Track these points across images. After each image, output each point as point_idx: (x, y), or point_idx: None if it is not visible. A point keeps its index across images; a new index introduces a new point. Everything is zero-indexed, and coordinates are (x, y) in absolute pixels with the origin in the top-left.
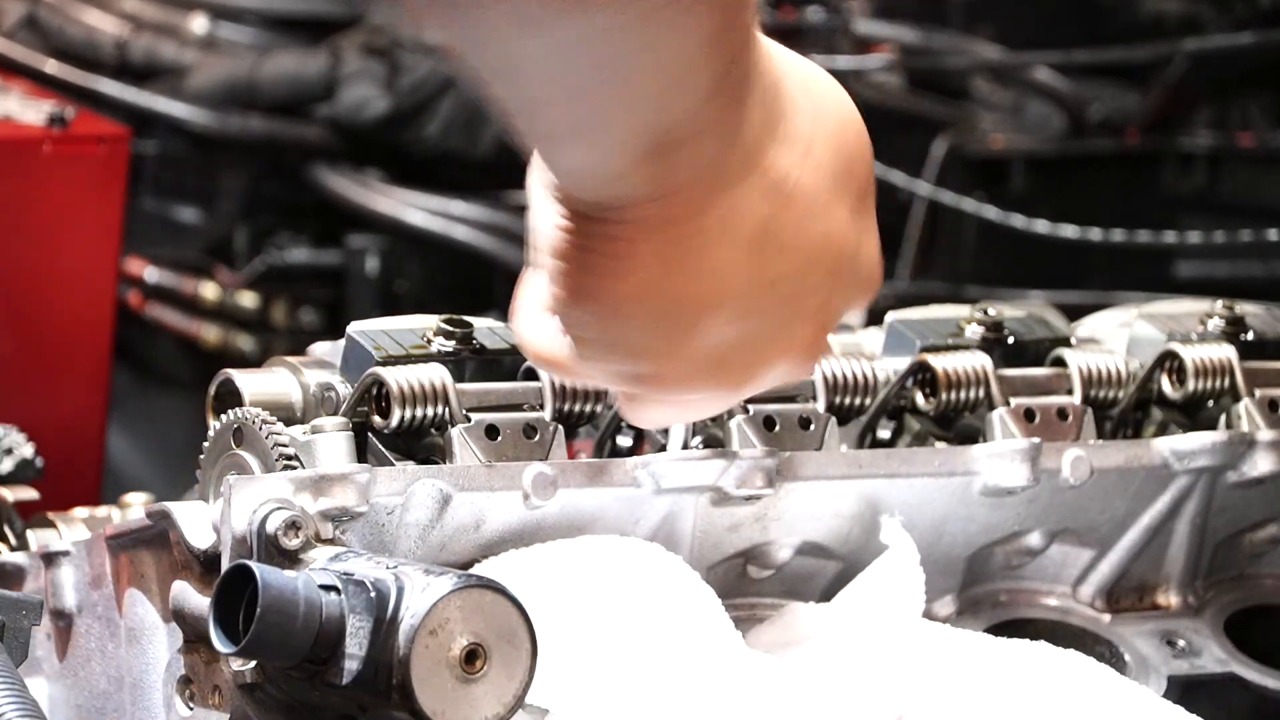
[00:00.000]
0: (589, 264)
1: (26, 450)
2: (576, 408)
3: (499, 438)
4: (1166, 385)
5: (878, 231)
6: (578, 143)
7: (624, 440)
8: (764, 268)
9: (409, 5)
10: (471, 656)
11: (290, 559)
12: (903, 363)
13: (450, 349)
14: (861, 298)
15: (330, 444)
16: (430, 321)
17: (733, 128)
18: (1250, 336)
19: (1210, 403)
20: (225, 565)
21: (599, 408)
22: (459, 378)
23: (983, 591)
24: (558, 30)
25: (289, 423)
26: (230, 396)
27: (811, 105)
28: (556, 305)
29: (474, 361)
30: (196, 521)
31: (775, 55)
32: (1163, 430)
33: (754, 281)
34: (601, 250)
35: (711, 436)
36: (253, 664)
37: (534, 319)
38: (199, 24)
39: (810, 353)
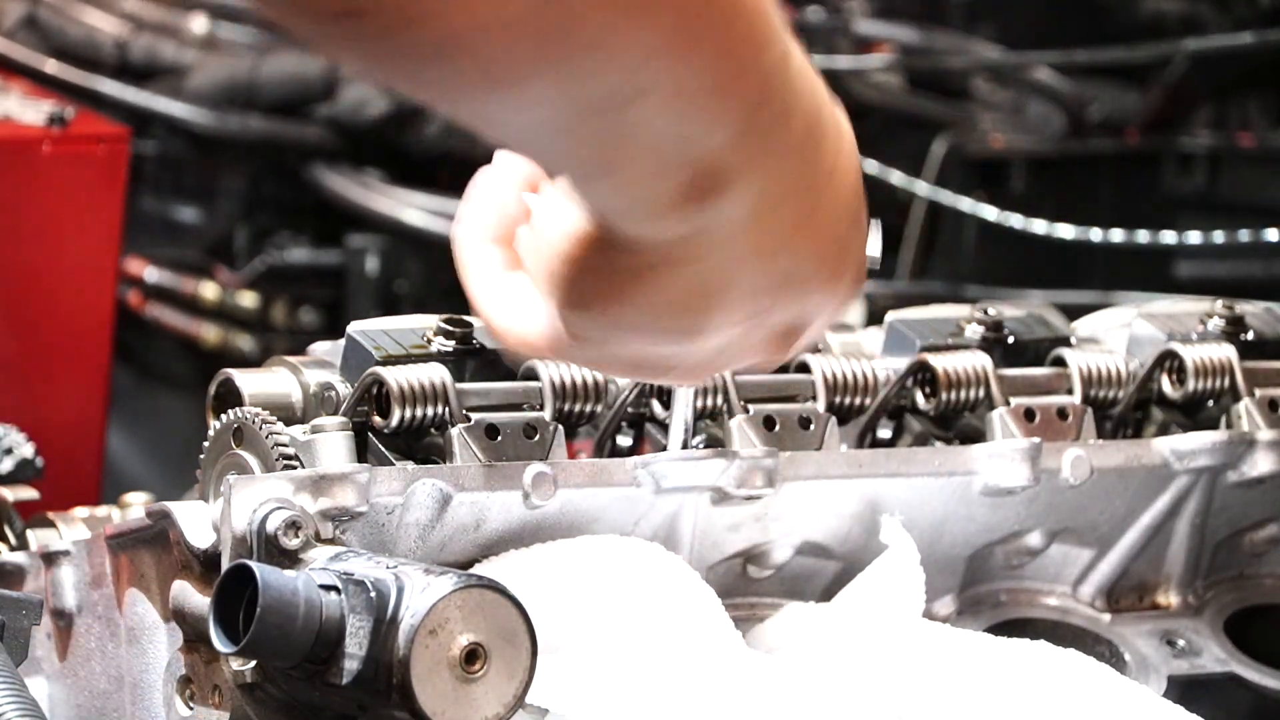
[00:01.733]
0: (604, 282)
1: (26, 450)
2: (576, 407)
3: (499, 437)
4: (1166, 385)
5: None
6: (601, 184)
7: (624, 440)
8: (776, 268)
9: (372, 70)
10: (471, 656)
11: (290, 559)
12: (903, 362)
13: (450, 349)
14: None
15: (330, 444)
16: (430, 321)
17: (773, 164)
18: (1250, 336)
19: (1210, 402)
20: (225, 565)
21: (599, 408)
22: (459, 377)
23: (983, 591)
24: (537, 88)
25: (289, 422)
26: (230, 396)
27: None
28: (555, 307)
29: (474, 361)
30: (196, 521)
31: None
32: (1163, 430)
33: (769, 282)
34: (622, 269)
35: (711, 436)
36: (253, 664)
37: (503, 300)
38: (199, 24)
39: (786, 343)
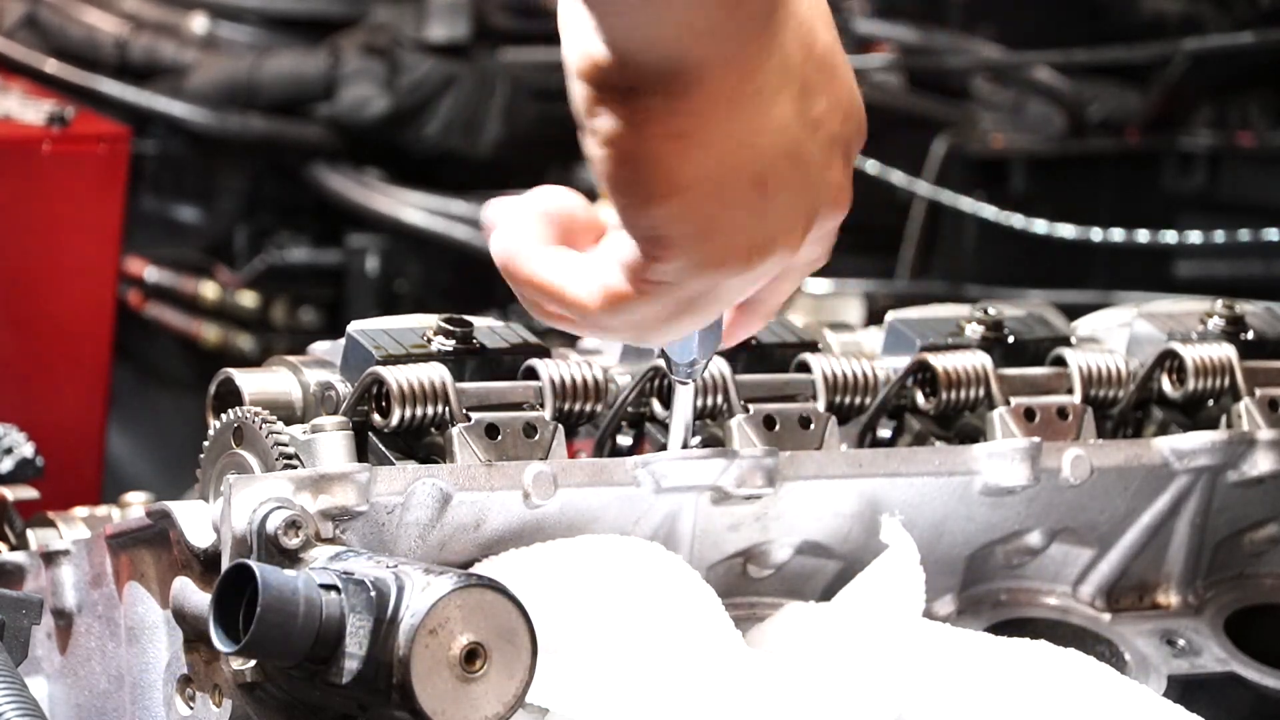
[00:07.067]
0: (657, 154)
1: (26, 450)
2: (576, 407)
3: (499, 437)
4: (1166, 384)
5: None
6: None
7: (624, 440)
8: (808, 112)
9: None
10: (471, 656)
11: (290, 558)
12: (903, 362)
13: (450, 348)
14: (860, 143)
15: (330, 443)
16: (430, 321)
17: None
18: (1250, 336)
19: (1210, 402)
20: (225, 564)
21: (599, 407)
22: (459, 377)
23: (983, 591)
24: None
25: (289, 422)
26: (230, 396)
27: None
28: (627, 219)
29: (474, 361)
30: (196, 521)
31: None
32: (1163, 430)
33: (805, 127)
34: (669, 132)
35: (711, 436)
36: (253, 663)
37: (559, 265)
38: (199, 24)
39: (842, 199)
